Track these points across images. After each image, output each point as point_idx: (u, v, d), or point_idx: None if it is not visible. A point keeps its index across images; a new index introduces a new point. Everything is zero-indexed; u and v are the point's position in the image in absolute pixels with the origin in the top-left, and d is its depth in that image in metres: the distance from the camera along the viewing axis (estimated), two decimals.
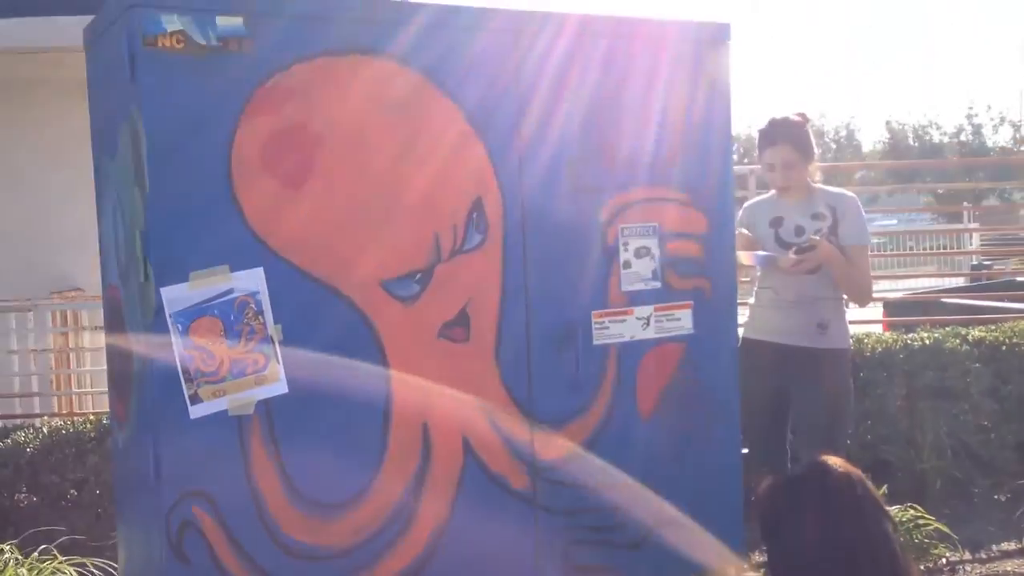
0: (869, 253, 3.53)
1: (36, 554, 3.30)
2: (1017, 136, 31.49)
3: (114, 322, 2.51)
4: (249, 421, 2.23)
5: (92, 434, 4.06)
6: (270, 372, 2.26)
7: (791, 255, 3.29)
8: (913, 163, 27.81)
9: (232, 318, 2.22)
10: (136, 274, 2.21)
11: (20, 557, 3.28)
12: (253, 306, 2.24)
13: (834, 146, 34.74)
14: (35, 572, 3.21)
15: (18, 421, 4.58)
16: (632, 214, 2.75)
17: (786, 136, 3.35)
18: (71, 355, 5.72)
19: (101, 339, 6.00)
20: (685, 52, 2.82)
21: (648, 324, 2.77)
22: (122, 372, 2.41)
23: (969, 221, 16.64)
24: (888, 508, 3.59)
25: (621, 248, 2.73)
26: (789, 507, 2.11)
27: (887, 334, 4.88)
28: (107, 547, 3.41)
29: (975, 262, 12.24)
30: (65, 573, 3.18)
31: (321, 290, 2.32)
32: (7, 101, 6.12)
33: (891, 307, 7.40)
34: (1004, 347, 4.71)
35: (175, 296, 2.15)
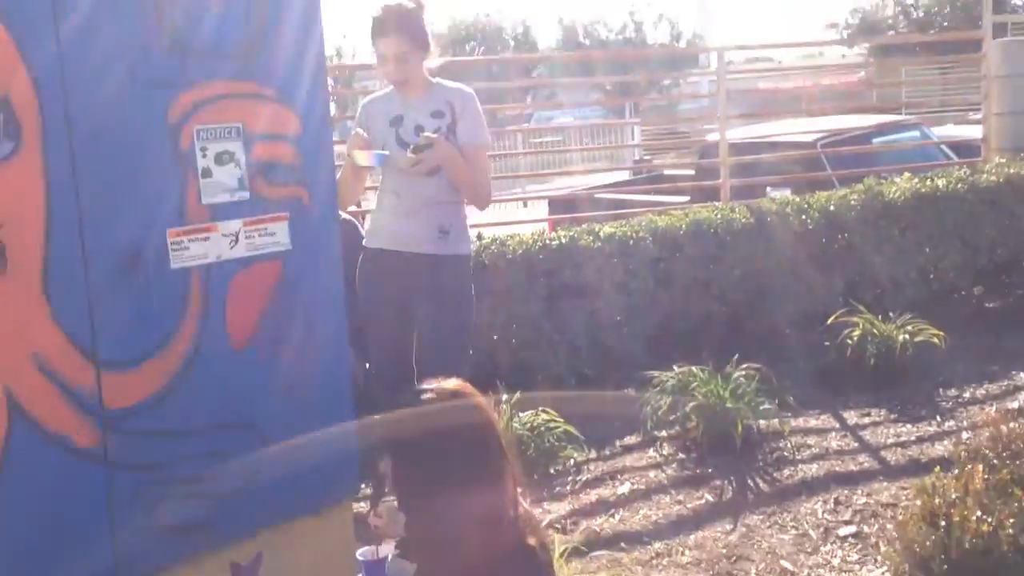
0: (488, 153, 3.44)
1: None
2: (674, 32, 34.26)
3: None
4: None
5: None
6: None
7: (409, 155, 3.11)
8: (583, 55, 29.32)
9: None
10: None
11: None
12: None
13: (512, 43, 35.74)
14: None
15: None
16: (209, 113, 2.36)
17: (399, 25, 3.11)
18: None
19: None
20: None
21: (237, 241, 2.44)
22: None
23: (631, 116, 17.73)
24: (517, 415, 3.65)
25: (198, 154, 2.36)
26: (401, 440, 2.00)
27: (527, 234, 4.92)
28: None
29: (637, 157, 12.96)
30: None
31: None
32: None
33: (555, 205, 7.59)
34: (631, 242, 4.92)
35: None
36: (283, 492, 2.49)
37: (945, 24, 23.31)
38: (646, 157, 13.70)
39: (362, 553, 2.64)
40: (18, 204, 2.09)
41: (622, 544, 3.24)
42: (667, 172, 8.70)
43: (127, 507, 2.25)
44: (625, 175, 11.28)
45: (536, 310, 4.65)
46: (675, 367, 4.14)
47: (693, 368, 4.05)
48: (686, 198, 6.55)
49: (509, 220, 6.57)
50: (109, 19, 2.19)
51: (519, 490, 2.05)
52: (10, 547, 2.09)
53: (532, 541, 1.97)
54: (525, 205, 11.86)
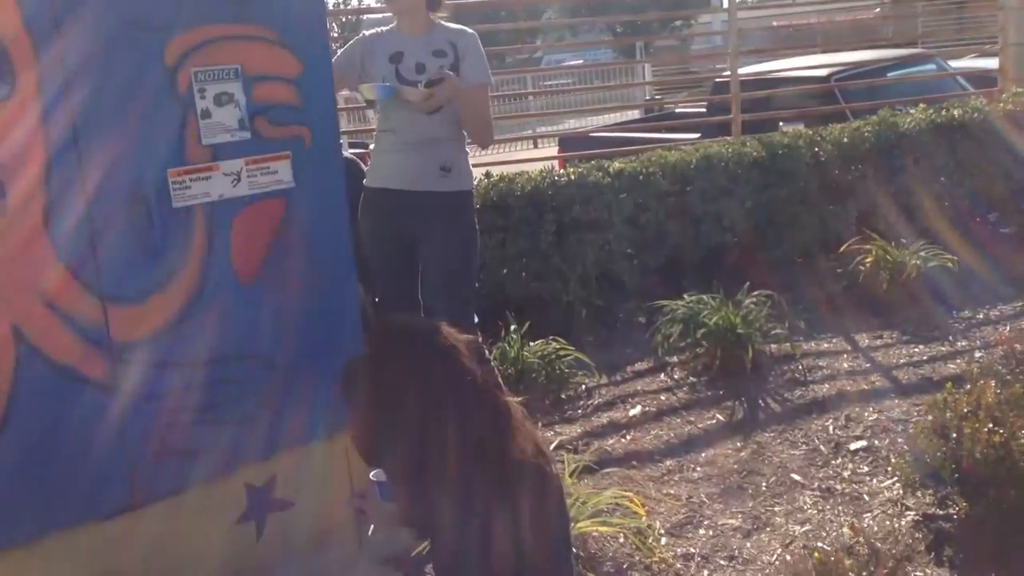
0: (490, 93, 3.45)
1: None
2: None
3: None
4: None
5: None
6: None
7: (422, 88, 3.12)
8: None
9: None
10: None
11: None
12: None
13: None
14: None
15: None
16: (207, 55, 2.40)
17: None
18: None
19: None
20: None
21: (239, 180, 2.50)
22: None
23: (642, 56, 17.53)
24: (528, 345, 3.68)
25: (197, 95, 2.40)
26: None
27: (536, 171, 4.93)
28: None
29: (648, 97, 12.84)
30: None
31: None
32: None
33: (565, 144, 7.59)
34: (641, 177, 4.92)
35: None
36: (293, 419, 2.59)
37: None
38: (657, 97, 13.54)
39: (375, 474, 2.73)
40: (15, 145, 2.15)
41: (633, 463, 3.31)
42: (678, 110, 8.64)
43: (140, 434, 2.36)
44: (636, 115, 11.22)
45: (545, 244, 4.68)
46: (685, 296, 4.17)
47: (704, 296, 4.08)
48: (697, 135, 6.51)
49: (520, 159, 6.56)
50: None
51: (514, 411, 2.06)
52: (27, 473, 2.18)
53: (536, 458, 2.00)
54: (536, 145, 11.83)
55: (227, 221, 2.48)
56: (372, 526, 2.71)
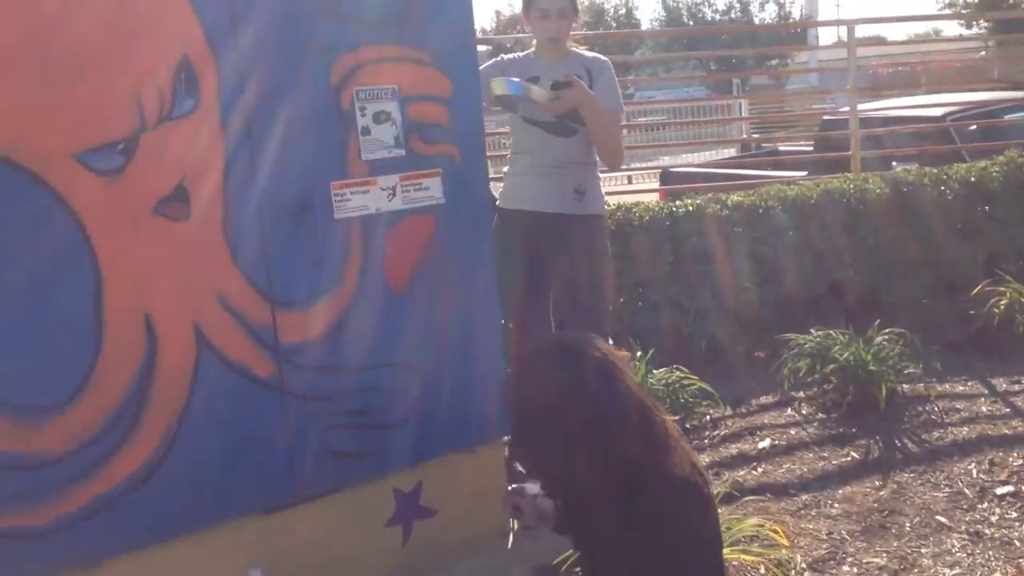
0: (622, 121, 3.50)
1: None
2: (781, 13, 33.36)
3: None
4: None
5: None
6: None
7: (548, 90, 3.18)
8: (690, 30, 29.03)
9: None
10: None
11: None
12: None
13: (614, 24, 35.54)
14: None
15: None
16: (367, 75, 2.52)
17: None
18: None
19: None
20: None
21: (394, 194, 2.60)
22: None
23: (739, 93, 17.47)
24: (652, 372, 3.68)
25: (358, 113, 2.52)
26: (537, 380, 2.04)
27: (654, 203, 4.96)
28: None
29: (744, 134, 12.84)
30: None
31: None
32: None
33: (665, 177, 7.64)
34: (760, 211, 4.91)
35: None
36: (439, 428, 2.65)
37: None
38: (754, 135, 13.48)
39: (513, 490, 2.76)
40: (199, 155, 2.28)
41: (767, 494, 3.26)
42: (782, 148, 8.60)
43: (302, 433, 2.44)
44: (731, 152, 11.18)
45: (662, 274, 4.69)
46: (812, 331, 4.11)
47: (832, 332, 4.02)
48: (803, 173, 6.47)
49: (617, 191, 6.61)
50: None
51: (671, 429, 2.07)
52: (201, 464, 2.29)
53: (695, 476, 2.00)
54: (630, 181, 11.86)
55: (382, 234, 2.57)
56: (521, 525, 2.73)
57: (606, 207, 3.48)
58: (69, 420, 2.11)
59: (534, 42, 3.41)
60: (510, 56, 3.46)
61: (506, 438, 2.82)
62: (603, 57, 3.38)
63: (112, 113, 2.14)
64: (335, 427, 2.51)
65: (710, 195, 5.09)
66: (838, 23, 6.94)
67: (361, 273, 2.54)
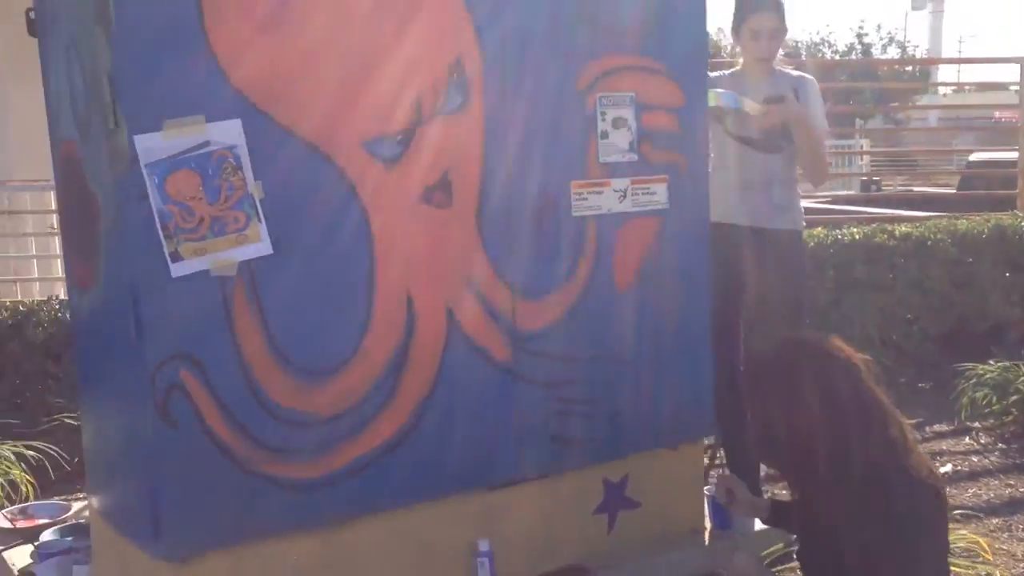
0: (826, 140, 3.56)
1: None
2: (905, 55, 32.63)
3: (71, 180, 2.30)
4: (232, 283, 2.09)
5: (9, 321, 3.89)
6: (251, 232, 2.12)
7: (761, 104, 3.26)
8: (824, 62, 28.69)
9: (210, 172, 2.06)
10: (102, 123, 2.02)
11: None
12: (232, 160, 2.08)
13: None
14: None
15: None
16: (610, 82, 2.66)
17: (775, 2, 3.30)
18: None
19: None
20: None
21: (625, 197, 2.72)
22: (84, 232, 2.23)
23: (859, 140, 17.26)
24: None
25: (599, 117, 2.66)
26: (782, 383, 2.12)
27: (818, 229, 4.99)
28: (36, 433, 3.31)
29: (865, 179, 12.82)
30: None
31: (302, 149, 2.18)
32: None
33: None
34: (929, 242, 4.89)
35: (150, 145, 1.98)
36: (649, 423, 2.76)
37: None
38: (875, 179, 13.41)
39: (709, 489, 2.84)
40: (462, 149, 2.45)
41: (956, 517, 3.25)
42: (918, 189, 8.55)
43: (529, 417, 2.58)
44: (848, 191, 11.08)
45: (824, 301, 4.71)
46: (991, 361, 4.09)
47: (1019, 364, 3.99)
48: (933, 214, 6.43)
49: None
50: None
51: (908, 432, 2.13)
52: (442, 436, 2.44)
53: (932, 479, 2.05)
54: None
55: (612, 234, 2.70)
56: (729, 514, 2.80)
57: (804, 225, 3.54)
58: (340, 385, 2.28)
59: (740, 60, 3.50)
60: (716, 74, 3.56)
61: (707, 440, 2.91)
62: (809, 76, 3.46)
63: (396, 106, 2.32)
64: (558, 413, 2.63)
65: (876, 224, 5.09)
66: (1001, 61, 6.88)
67: (592, 269, 2.66)
